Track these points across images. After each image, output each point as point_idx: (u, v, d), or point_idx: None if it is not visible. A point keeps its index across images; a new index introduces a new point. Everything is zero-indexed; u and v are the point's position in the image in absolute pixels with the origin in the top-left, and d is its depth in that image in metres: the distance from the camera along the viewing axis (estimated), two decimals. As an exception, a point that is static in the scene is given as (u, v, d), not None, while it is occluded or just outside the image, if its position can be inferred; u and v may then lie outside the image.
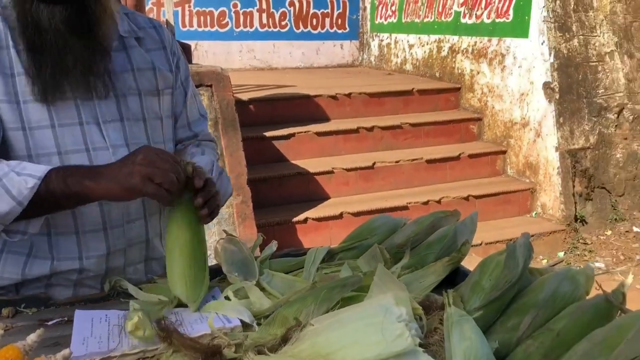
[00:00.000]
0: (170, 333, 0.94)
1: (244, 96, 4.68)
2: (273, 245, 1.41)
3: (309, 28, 7.37)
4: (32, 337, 0.83)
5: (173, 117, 1.41)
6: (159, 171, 1.05)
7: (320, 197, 4.31)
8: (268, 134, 4.43)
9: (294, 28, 7.28)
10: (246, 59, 7.09)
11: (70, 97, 1.20)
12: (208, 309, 1.14)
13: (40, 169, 1.09)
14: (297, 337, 0.83)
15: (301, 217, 3.98)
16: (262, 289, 1.19)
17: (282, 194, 4.20)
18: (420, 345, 0.82)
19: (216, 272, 1.30)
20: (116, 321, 1.09)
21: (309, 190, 4.30)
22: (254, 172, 3.85)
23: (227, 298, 1.17)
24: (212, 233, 3.46)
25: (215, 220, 3.49)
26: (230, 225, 3.48)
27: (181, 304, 1.15)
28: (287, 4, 7.18)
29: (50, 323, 1.14)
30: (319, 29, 7.41)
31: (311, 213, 4.04)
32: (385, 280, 0.98)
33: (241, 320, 1.07)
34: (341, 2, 7.41)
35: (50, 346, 1.01)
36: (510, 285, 1.03)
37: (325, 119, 4.91)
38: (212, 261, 1.42)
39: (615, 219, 4.56)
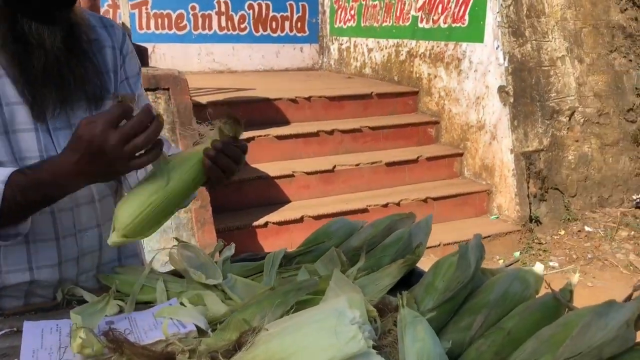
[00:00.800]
0: (121, 343, 0.92)
1: (203, 99, 4.64)
2: (231, 248, 1.40)
3: (269, 31, 7.36)
4: (-23, 350, 0.80)
5: None
6: (142, 139, 0.99)
7: (281, 200, 4.31)
8: (227, 137, 4.39)
9: (254, 31, 7.26)
10: (205, 62, 7.03)
11: (24, 103, 1.17)
12: (162, 314, 1.13)
13: (4, 172, 1.06)
14: (252, 343, 0.82)
15: (261, 221, 3.96)
16: (223, 293, 1.19)
17: (242, 198, 4.18)
18: (374, 347, 0.83)
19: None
20: (68, 331, 1.07)
21: (270, 194, 4.29)
22: (213, 176, 3.82)
23: (182, 304, 1.16)
24: (170, 238, 3.41)
25: (173, 226, 3.46)
26: (189, 230, 3.44)
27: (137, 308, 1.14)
28: (246, 7, 7.15)
29: (-2, 334, 1.10)
30: (279, 32, 7.41)
31: (272, 217, 4.02)
32: (341, 283, 0.99)
33: (197, 327, 1.06)
34: (300, 6, 7.43)
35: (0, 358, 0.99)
36: (462, 286, 1.05)
37: (285, 122, 4.91)
38: (168, 267, 1.41)
39: (568, 219, 4.70)
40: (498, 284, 1.08)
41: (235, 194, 4.15)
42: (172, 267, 1.36)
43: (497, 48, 4.64)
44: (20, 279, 1.22)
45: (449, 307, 1.05)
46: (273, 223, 4.00)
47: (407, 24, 5.76)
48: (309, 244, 1.39)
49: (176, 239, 1.45)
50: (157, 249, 3.48)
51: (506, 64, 4.58)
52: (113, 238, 1.09)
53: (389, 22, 6.06)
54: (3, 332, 1.11)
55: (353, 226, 1.44)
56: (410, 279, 1.23)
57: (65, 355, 0.98)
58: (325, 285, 1.04)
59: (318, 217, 4.08)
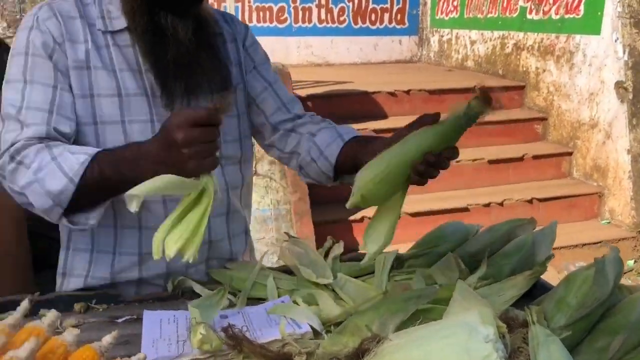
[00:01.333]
0: (239, 341, 0.91)
1: (302, 92, 4.66)
2: (340, 246, 1.38)
3: (368, 23, 7.29)
4: (107, 339, 0.82)
5: (255, 108, 1.39)
6: (207, 147, 0.99)
7: (377, 195, 4.25)
8: (326, 130, 4.39)
9: (352, 23, 7.22)
10: (304, 55, 7.08)
11: (144, 95, 1.20)
12: (275, 311, 1.12)
13: (92, 149, 1.09)
14: (375, 352, 0.79)
15: (358, 215, 3.93)
16: (333, 293, 1.17)
17: (339, 192, 4.13)
18: (506, 367, 0.77)
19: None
20: (184, 323, 1.09)
21: (367, 189, 4.24)
22: (312, 168, 3.83)
23: (295, 303, 1.15)
24: (270, 229, 3.47)
25: (273, 216, 3.51)
26: (288, 222, 3.47)
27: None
28: (346, 0, 7.13)
29: (120, 320, 1.14)
30: (378, 24, 7.32)
31: (368, 212, 3.97)
32: (465, 294, 0.93)
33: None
34: (401, -3, 7.30)
35: (122, 344, 1.01)
36: (599, 303, 0.97)
37: (383, 115, 4.83)
38: (278, 262, 1.41)
39: (690, 227, 4.31)
40: (639, 303, 0.98)
41: (331, 187, 4.14)
42: (282, 263, 1.36)
43: (615, 40, 4.31)
44: (130, 262, 1.26)
45: (583, 325, 0.96)
46: (369, 218, 3.94)
47: (515, 15, 5.49)
48: (421, 247, 1.34)
49: (287, 233, 1.44)
50: (258, 239, 3.55)
51: (625, 58, 4.24)
52: (352, 200, 1.09)
53: (495, 13, 5.81)
54: (124, 319, 1.15)
55: (468, 230, 1.37)
56: (530, 290, 1.14)
57: (185, 348, 0.99)
58: (446, 294, 0.99)
59: (415, 215, 3.99)
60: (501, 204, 4.18)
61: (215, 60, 1.24)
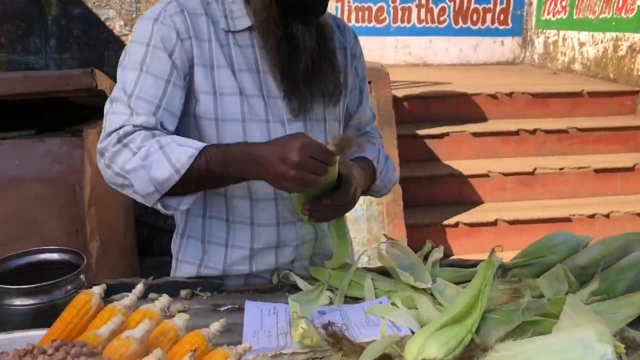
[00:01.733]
0: (339, 339, 0.92)
1: (399, 93, 4.61)
2: (440, 251, 1.35)
3: (469, 24, 7.10)
4: (215, 326, 0.85)
5: (343, 119, 1.42)
6: (311, 178, 1.06)
7: (474, 201, 4.13)
8: (421, 132, 4.32)
9: (453, 24, 7.06)
10: (401, 55, 7.01)
11: (260, 95, 1.24)
12: (374, 312, 1.11)
13: (201, 144, 1.13)
14: (480, 362, 0.76)
15: (452, 220, 3.84)
16: (432, 298, 1.14)
17: (433, 195, 4.09)
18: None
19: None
20: (284, 316, 1.10)
21: (462, 193, 4.14)
22: (405, 170, 3.78)
23: (393, 304, 1.14)
24: (361, 229, 3.46)
25: (365, 216, 3.50)
26: (380, 223, 3.45)
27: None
28: (447, 0, 6.99)
29: (222, 309, 1.18)
30: (479, 24, 7.11)
31: (463, 217, 3.88)
32: (577, 310, 0.88)
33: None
34: (505, -3, 7.05)
35: (224, 332, 1.04)
36: None
37: (482, 118, 4.69)
38: (369, 262, 1.40)
39: None
40: None
41: (426, 189, 4.08)
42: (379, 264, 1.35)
43: None
44: (241, 255, 1.30)
45: None
46: (464, 224, 3.85)
47: (631, 15, 5.14)
48: (527, 256, 1.28)
49: (385, 235, 1.43)
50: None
51: None
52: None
53: (608, 14, 5.47)
54: (227, 307, 1.19)
55: (578, 241, 1.30)
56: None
57: (285, 341, 1.00)
58: (555, 309, 0.94)
59: (513, 222, 3.84)
60: (607, 216, 3.93)
61: (333, 66, 1.28)
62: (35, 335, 0.89)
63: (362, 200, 3.48)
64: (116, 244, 2.49)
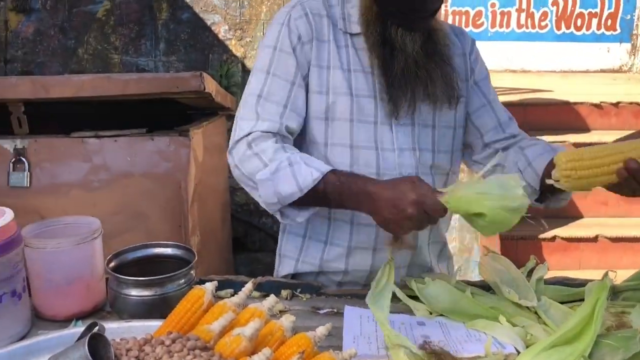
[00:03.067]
0: (440, 356, 0.90)
1: (496, 100, 4.48)
2: (544, 267, 1.30)
3: (572, 29, 6.78)
4: (321, 330, 0.87)
5: (469, 123, 1.39)
6: (418, 227, 1.08)
7: (572, 215, 3.94)
8: (519, 141, 4.17)
9: (555, 29, 6.77)
10: (498, 61, 6.81)
11: (372, 97, 1.27)
12: (477, 326, 1.09)
13: (325, 167, 1.17)
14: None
15: (549, 234, 3.68)
16: (536, 316, 1.11)
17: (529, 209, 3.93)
18: None
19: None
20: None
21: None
22: (502, 180, 3.67)
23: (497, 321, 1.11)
24: (453, 239, 3.39)
25: (457, 226, 3.43)
26: (472, 233, 3.37)
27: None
28: (549, 4, 6.69)
29: (322, 312, 1.20)
30: (584, 30, 6.77)
31: (560, 231, 3.70)
32: None
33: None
34: (614, 1, 6.66)
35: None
36: None
37: (585, 129, 4.46)
38: (467, 274, 1.37)
39: None
40: None
41: (522, 201, 3.93)
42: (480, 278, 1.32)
43: None
44: (338, 253, 1.33)
45: None
46: (561, 238, 3.68)
47: None
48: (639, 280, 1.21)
49: (485, 247, 1.40)
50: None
51: None
52: (553, 178, 1.11)
53: None
54: (325, 311, 1.20)
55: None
56: None
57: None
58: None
59: (616, 240, 3.62)
60: None
61: (443, 71, 1.27)
62: (152, 325, 0.95)
63: (455, 209, 3.40)
64: (214, 240, 2.59)
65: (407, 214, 1.05)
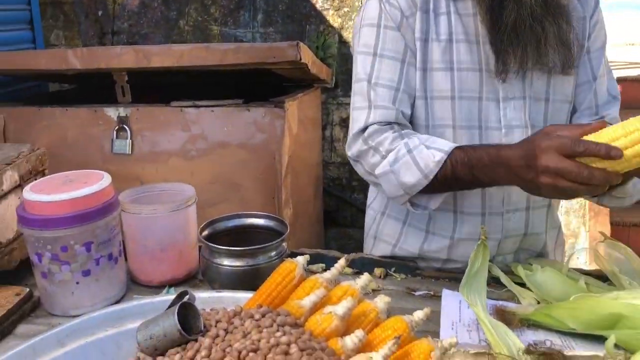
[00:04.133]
0: (553, 357, 0.81)
1: (615, 74, 4.13)
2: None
3: (703, -4, 6.12)
4: (419, 315, 0.80)
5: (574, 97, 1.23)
6: (568, 186, 0.90)
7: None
8: (636, 119, 3.83)
9: (683, -3, 6.14)
10: (617, 32, 6.29)
11: (477, 69, 1.14)
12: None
13: (448, 145, 1.07)
14: None
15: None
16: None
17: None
18: None
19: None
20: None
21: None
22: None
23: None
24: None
25: (563, 209, 3.20)
26: (580, 217, 3.14)
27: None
28: (678, -32, 6.08)
29: (417, 294, 1.13)
30: None
31: (680, 219, 3.37)
32: None
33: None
34: None
35: (420, 320, 0.99)
36: None
37: None
38: (585, 257, 1.25)
39: None
40: None
41: None
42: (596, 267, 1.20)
43: None
44: (441, 244, 1.23)
45: None
46: (681, 227, 3.35)
47: None
48: None
49: (602, 233, 1.26)
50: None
51: None
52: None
53: None
54: (421, 293, 1.14)
55: None
56: None
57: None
58: None
59: None
60: None
61: (563, 31, 1.11)
62: (242, 297, 0.92)
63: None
64: (306, 213, 2.57)
65: (542, 168, 0.90)
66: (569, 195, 0.93)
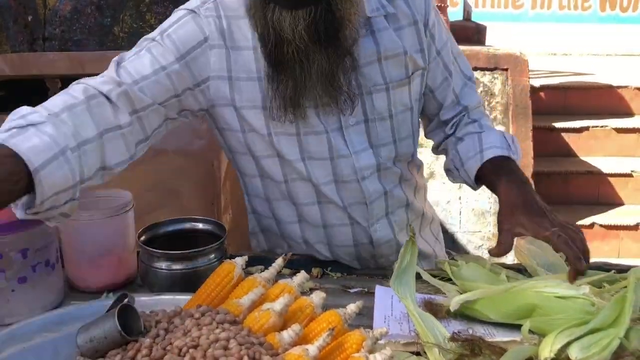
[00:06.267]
0: (477, 344, 0.87)
1: (535, 82, 4.37)
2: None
3: (617, 10, 6.57)
4: (352, 307, 0.85)
5: (431, 97, 1.31)
6: None
7: (612, 202, 3.83)
8: (558, 124, 4.07)
9: (599, 10, 6.59)
10: (538, 43, 6.64)
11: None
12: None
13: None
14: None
15: (587, 220, 3.59)
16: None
17: (567, 192, 3.84)
18: None
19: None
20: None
21: (599, 193, 3.85)
22: (539, 164, 3.58)
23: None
24: (487, 222, 3.34)
25: (492, 210, 3.36)
26: (508, 218, 3.30)
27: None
28: (594, -16, 6.50)
29: (352, 291, 1.18)
30: (630, 11, 6.56)
31: (599, 218, 3.61)
32: None
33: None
34: (662, -20, 6.42)
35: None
36: None
37: (628, 113, 4.32)
38: (511, 259, 1.34)
39: None
40: None
41: (560, 186, 3.84)
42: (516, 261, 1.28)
43: None
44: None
45: None
46: (600, 225, 3.59)
47: None
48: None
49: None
50: (473, 232, 3.45)
51: None
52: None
53: None
54: (356, 290, 1.19)
55: None
56: None
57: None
58: None
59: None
60: None
61: (338, 57, 1.08)
62: (181, 299, 0.94)
63: (489, 193, 3.34)
64: (246, 219, 2.59)
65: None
66: None
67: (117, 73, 1.08)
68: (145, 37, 1.16)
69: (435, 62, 1.27)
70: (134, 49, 1.14)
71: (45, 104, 0.98)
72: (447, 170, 1.37)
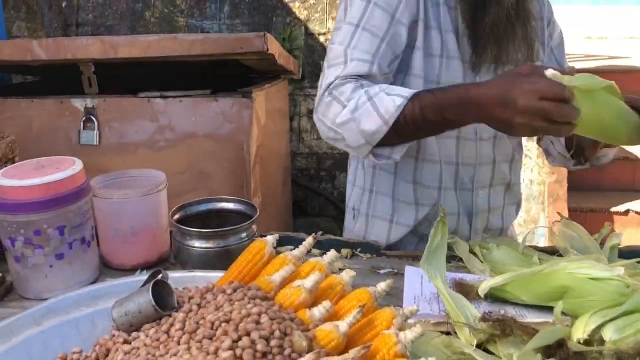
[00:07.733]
0: (509, 324, 0.87)
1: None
2: (619, 236, 1.23)
3: (657, -9, 6.35)
4: (382, 285, 0.85)
5: None
6: (541, 124, 0.94)
7: (648, 188, 3.74)
8: (594, 109, 3.97)
9: (639, -9, 6.36)
10: (573, 25, 6.47)
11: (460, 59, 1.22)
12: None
13: (409, 91, 1.08)
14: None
15: (621, 207, 3.50)
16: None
17: (602, 179, 3.75)
18: None
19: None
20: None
21: (635, 179, 3.76)
22: (572, 150, 3.51)
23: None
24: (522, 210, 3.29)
25: (524, 196, 3.31)
26: (539, 204, 3.25)
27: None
28: (633, -36, 6.29)
29: (382, 272, 1.18)
30: (670, -8, 6.33)
31: (635, 205, 3.52)
32: None
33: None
34: None
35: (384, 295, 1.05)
36: None
37: (666, 98, 4.19)
38: (544, 242, 1.33)
39: None
40: None
41: (594, 173, 3.75)
42: (549, 244, 1.27)
43: None
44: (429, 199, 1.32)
45: None
46: (635, 212, 3.50)
47: None
48: None
49: (559, 213, 1.34)
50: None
51: None
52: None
53: None
54: (385, 271, 1.19)
55: None
56: None
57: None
58: None
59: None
60: None
61: (529, 32, 1.21)
62: (214, 276, 0.96)
63: (522, 179, 3.29)
64: (274, 202, 2.61)
65: (522, 107, 0.93)
66: (538, 133, 1.01)
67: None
68: None
69: (548, 57, 1.35)
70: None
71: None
72: (546, 151, 1.44)
